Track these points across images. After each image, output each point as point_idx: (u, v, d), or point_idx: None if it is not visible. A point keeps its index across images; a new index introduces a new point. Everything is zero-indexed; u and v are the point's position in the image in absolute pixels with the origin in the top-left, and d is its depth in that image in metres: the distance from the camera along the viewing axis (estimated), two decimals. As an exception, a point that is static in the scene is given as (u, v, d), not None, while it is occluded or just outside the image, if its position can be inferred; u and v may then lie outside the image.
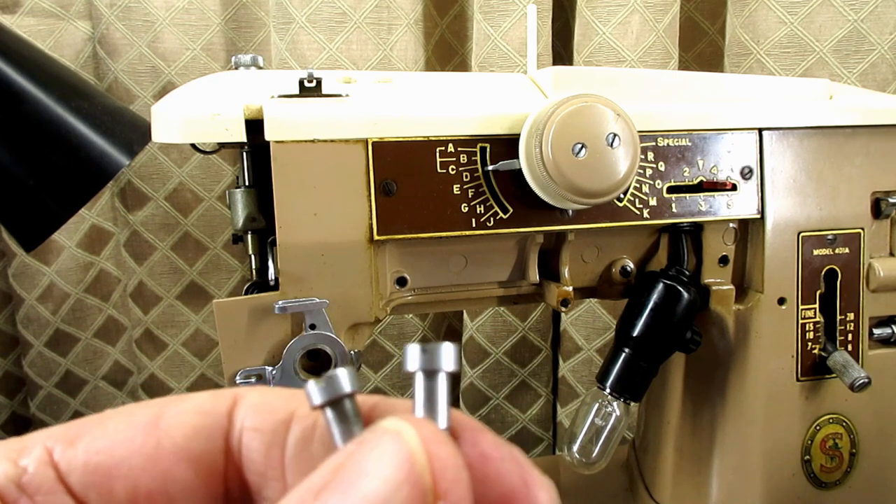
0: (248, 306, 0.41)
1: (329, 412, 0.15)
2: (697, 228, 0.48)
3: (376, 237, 0.41)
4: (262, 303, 0.41)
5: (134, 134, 0.57)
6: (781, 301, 0.48)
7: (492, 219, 0.43)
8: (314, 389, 0.15)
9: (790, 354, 0.49)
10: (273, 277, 0.44)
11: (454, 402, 0.86)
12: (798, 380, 0.49)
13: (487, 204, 0.43)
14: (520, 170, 0.42)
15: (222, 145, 0.45)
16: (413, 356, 0.16)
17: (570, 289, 0.47)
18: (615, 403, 0.48)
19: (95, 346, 0.86)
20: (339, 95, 0.42)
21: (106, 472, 0.15)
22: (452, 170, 0.42)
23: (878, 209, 0.49)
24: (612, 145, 0.40)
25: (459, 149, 0.42)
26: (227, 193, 0.45)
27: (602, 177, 0.40)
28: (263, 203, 0.44)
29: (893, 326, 0.50)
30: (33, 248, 0.57)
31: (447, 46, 0.80)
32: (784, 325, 0.48)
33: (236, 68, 0.46)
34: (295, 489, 0.13)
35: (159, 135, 0.41)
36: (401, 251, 0.44)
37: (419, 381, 0.16)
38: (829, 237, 0.48)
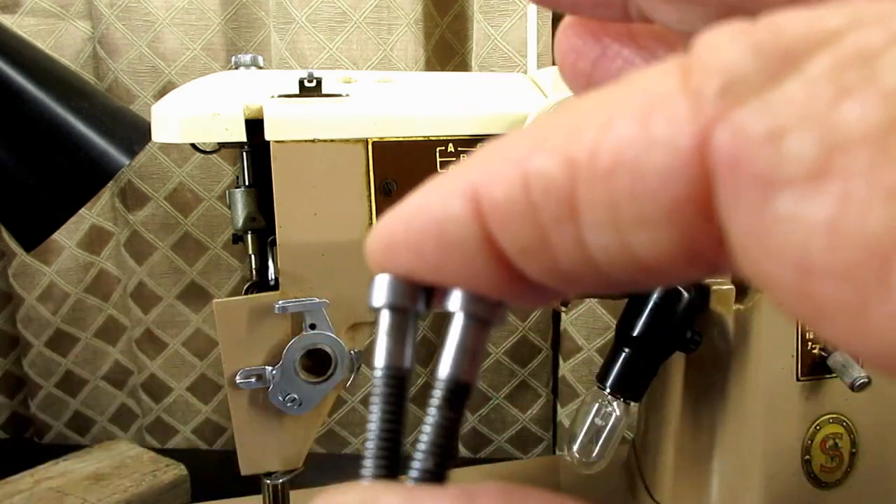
0: (248, 306, 0.41)
1: (386, 315, 0.13)
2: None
3: (376, 237, 0.41)
4: (262, 303, 0.41)
5: (134, 134, 0.57)
6: (781, 301, 0.48)
7: (492, 219, 0.43)
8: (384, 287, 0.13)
9: (790, 354, 0.49)
10: (273, 277, 0.44)
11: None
12: (798, 380, 0.49)
13: (487, 204, 0.43)
14: (520, 170, 0.41)
15: (222, 145, 0.45)
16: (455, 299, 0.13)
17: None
18: (615, 403, 0.48)
19: (95, 346, 0.86)
20: (339, 95, 0.42)
21: None
22: (452, 170, 0.42)
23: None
24: (612, 145, 0.40)
25: (459, 149, 0.42)
26: (227, 193, 0.45)
27: (602, 177, 0.40)
28: (263, 203, 0.44)
29: (893, 326, 0.50)
30: (33, 248, 0.57)
31: (447, 46, 0.80)
32: (784, 325, 0.48)
33: (236, 68, 0.46)
34: None
35: (159, 135, 0.41)
36: (401, 251, 0.44)
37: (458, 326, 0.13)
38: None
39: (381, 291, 0.13)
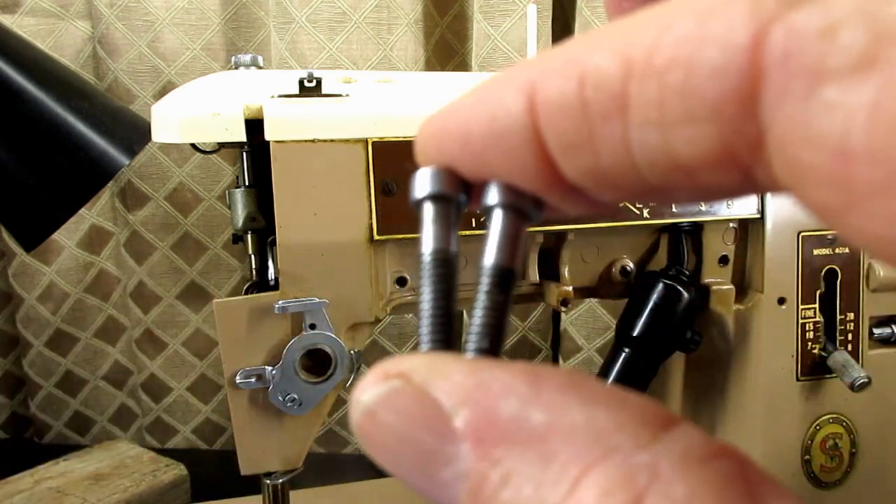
0: (248, 306, 0.41)
1: (430, 206, 0.13)
2: (697, 228, 0.48)
3: (376, 237, 0.41)
4: (262, 303, 0.41)
5: (134, 134, 0.57)
6: (781, 301, 0.48)
7: (492, 219, 0.43)
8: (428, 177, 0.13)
9: (790, 354, 0.49)
10: (273, 277, 0.44)
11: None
12: (798, 380, 0.49)
13: (487, 204, 0.43)
14: (520, 170, 0.41)
15: (222, 145, 0.45)
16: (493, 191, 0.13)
17: (570, 288, 0.46)
18: (615, 403, 0.48)
19: (95, 346, 0.86)
20: (339, 95, 0.42)
21: None
22: (452, 170, 0.42)
23: (878, 209, 0.49)
24: (612, 145, 0.40)
25: (459, 149, 0.42)
26: (227, 193, 0.45)
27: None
28: (263, 203, 0.44)
29: (893, 326, 0.50)
30: (33, 248, 0.57)
31: (447, 46, 0.80)
32: (784, 325, 0.48)
33: (236, 68, 0.46)
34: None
35: (159, 135, 0.41)
36: (401, 251, 0.44)
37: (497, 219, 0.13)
38: (829, 237, 0.48)
39: (424, 183, 0.13)
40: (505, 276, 0.13)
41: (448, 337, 0.13)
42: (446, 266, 0.13)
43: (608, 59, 0.11)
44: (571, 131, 0.11)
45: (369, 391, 0.12)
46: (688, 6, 0.10)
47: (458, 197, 0.13)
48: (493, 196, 0.13)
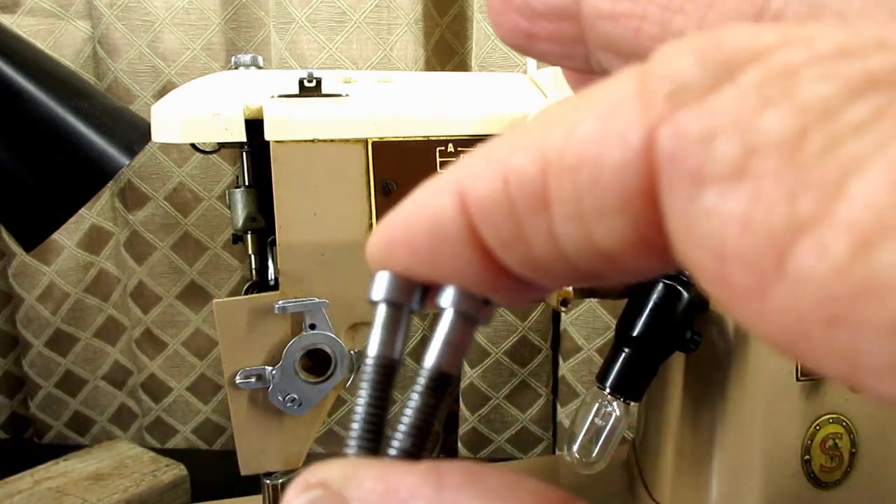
0: (248, 306, 0.41)
1: (383, 309, 0.14)
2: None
3: (376, 237, 0.41)
4: (262, 303, 0.41)
5: (134, 134, 0.57)
6: (781, 301, 0.48)
7: (492, 219, 0.43)
8: (384, 282, 0.14)
9: (790, 354, 0.49)
10: (273, 277, 0.44)
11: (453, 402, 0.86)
12: (798, 380, 0.49)
13: (487, 204, 0.43)
14: (520, 170, 0.41)
15: (222, 145, 0.45)
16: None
17: (570, 288, 0.46)
18: (615, 403, 0.48)
19: (95, 346, 0.86)
20: (339, 95, 0.42)
21: None
22: (452, 170, 0.42)
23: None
24: (612, 145, 0.40)
25: (459, 149, 0.42)
26: (227, 193, 0.45)
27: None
28: (263, 203, 0.44)
29: (893, 326, 0.50)
30: (33, 247, 0.57)
31: (447, 46, 0.80)
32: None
33: (236, 68, 0.46)
34: None
35: (159, 135, 0.41)
36: (401, 251, 0.44)
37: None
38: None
39: (379, 286, 0.14)
40: (441, 381, 0.14)
41: (374, 444, 0.14)
42: (386, 374, 0.14)
43: (527, 159, 0.11)
44: (503, 228, 0.12)
45: (293, 503, 0.13)
46: (591, 104, 0.11)
47: (410, 303, 0.14)
48: (444, 299, 0.14)
